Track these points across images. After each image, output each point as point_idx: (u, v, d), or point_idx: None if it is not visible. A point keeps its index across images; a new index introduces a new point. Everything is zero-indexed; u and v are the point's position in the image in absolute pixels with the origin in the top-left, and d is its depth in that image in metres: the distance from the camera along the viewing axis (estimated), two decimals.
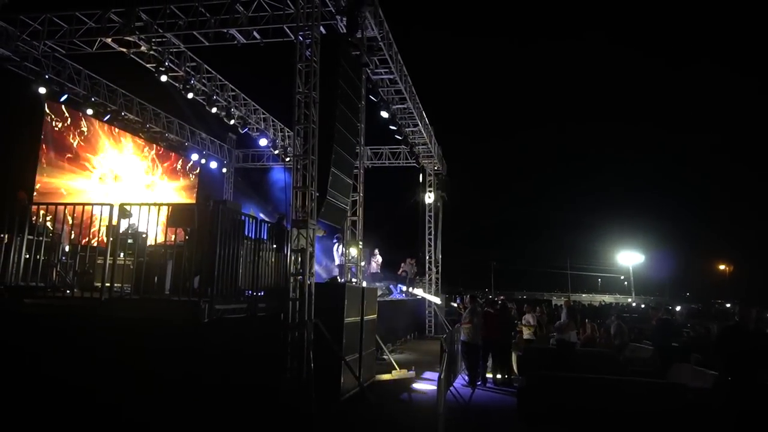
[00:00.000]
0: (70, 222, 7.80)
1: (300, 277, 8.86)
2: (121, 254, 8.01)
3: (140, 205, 7.59)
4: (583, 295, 63.43)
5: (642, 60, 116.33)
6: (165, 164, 18.61)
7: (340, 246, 16.11)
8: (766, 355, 6.30)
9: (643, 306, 41.21)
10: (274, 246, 9.15)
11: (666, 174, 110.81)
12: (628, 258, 62.77)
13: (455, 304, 17.58)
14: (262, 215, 14.44)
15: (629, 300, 56.82)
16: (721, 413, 6.28)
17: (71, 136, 14.64)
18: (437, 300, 20.65)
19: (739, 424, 5.99)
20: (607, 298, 59.20)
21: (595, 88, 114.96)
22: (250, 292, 8.31)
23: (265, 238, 8.89)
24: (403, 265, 20.22)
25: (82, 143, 15.00)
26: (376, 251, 18.90)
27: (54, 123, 14.12)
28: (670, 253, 65.24)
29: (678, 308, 31.46)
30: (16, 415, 6.54)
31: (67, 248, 8.45)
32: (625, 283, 67.29)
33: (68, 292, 7.75)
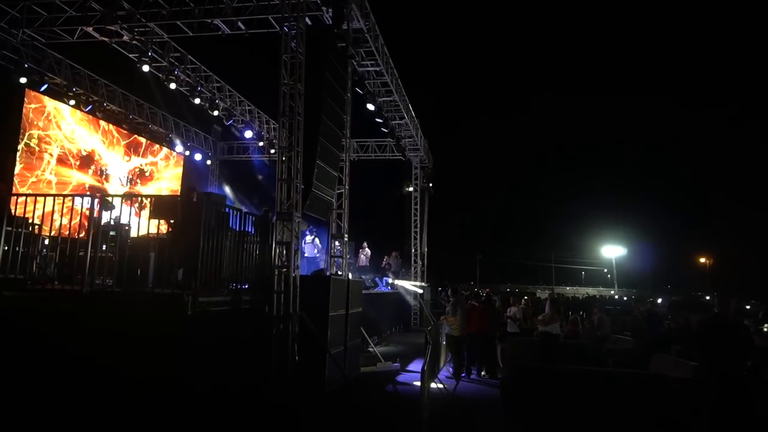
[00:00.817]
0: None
1: (285, 269, 8.85)
2: (104, 246, 7.91)
3: (122, 196, 7.49)
4: (568, 288, 64.10)
5: (631, 48, 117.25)
6: (149, 155, 18.38)
7: (315, 238, 16.14)
8: (744, 345, 6.42)
9: (625, 298, 41.76)
10: (259, 239, 9.10)
11: (647, 168, 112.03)
12: (611, 251, 63.55)
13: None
14: (247, 207, 14.36)
15: (612, 292, 57.53)
16: (701, 403, 6.40)
17: (52, 125, 14.38)
18: (420, 290, 20.69)
19: (718, 413, 6.11)
20: (591, 291, 59.89)
21: (578, 79, 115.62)
22: (235, 284, 8.27)
23: (250, 230, 8.84)
24: (386, 257, 20.28)
25: (62, 132, 14.74)
26: (365, 244, 18.91)
27: (34, 112, 13.85)
28: (651, 246, 66.27)
29: (659, 300, 31.95)
30: None
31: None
32: (608, 275, 68.13)
33: (49, 284, 7.65)
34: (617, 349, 10.80)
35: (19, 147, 13.29)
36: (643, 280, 65.10)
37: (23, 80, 12.90)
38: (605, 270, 69.50)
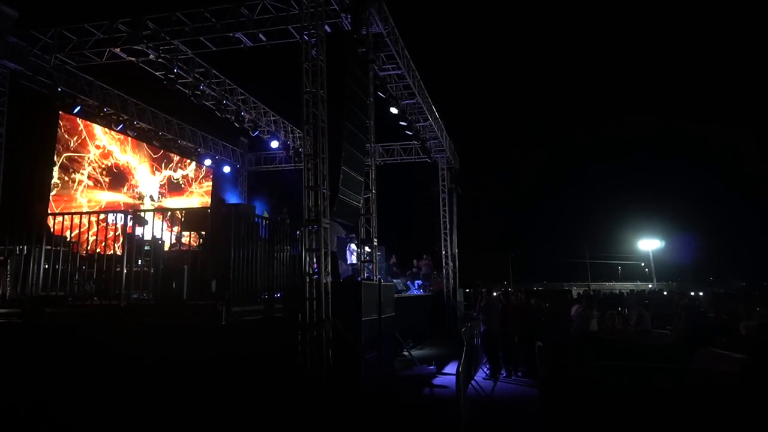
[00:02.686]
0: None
1: (316, 276, 8.87)
2: (139, 261, 8.08)
3: (154, 211, 7.64)
4: (606, 284, 62.65)
5: (661, 37, 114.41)
6: (179, 169, 18.77)
7: (352, 244, 16.25)
8: None
9: (666, 293, 40.57)
10: (289, 247, 9.17)
11: (682, 159, 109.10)
12: (648, 244, 61.96)
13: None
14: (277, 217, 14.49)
15: (650, 286, 56.01)
16: (753, 396, 6.15)
17: (85, 145, 14.81)
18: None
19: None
20: (628, 285, 58.42)
21: (608, 69, 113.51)
22: (267, 293, 8.34)
23: (280, 239, 8.91)
24: (415, 261, 20.26)
25: (97, 152, 15.17)
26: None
27: (68, 134, 14.29)
28: (690, 237, 64.40)
29: (701, 294, 30.98)
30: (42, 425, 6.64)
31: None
32: (646, 269, 66.43)
33: (89, 300, 7.85)
34: (659, 345, 10.49)
35: (55, 172, 13.73)
36: (683, 272, 63.27)
37: (56, 103, 13.33)
38: (642, 264, 67.81)
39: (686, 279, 59.24)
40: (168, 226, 8.18)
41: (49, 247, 7.67)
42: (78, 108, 14.12)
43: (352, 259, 16.62)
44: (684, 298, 13.59)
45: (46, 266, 7.63)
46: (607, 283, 62.98)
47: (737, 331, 10.90)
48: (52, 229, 7.97)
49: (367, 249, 12.15)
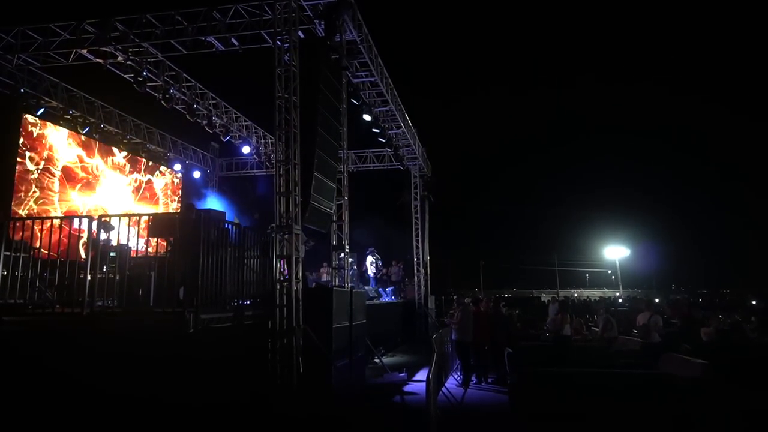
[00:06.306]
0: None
1: (287, 283, 8.79)
2: (104, 267, 7.86)
3: (120, 216, 7.46)
4: (575, 293, 63.72)
5: (633, 36, 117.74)
6: (148, 174, 18.39)
7: (376, 259, 16.96)
8: None
9: (620, 300, 41.45)
10: (260, 253, 9.06)
11: (648, 168, 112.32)
12: (614, 252, 63.32)
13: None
14: (247, 223, 14.33)
15: (617, 294, 57.21)
16: (712, 400, 6.33)
17: (48, 148, 14.39)
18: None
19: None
20: (596, 293, 59.57)
21: (578, 77, 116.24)
22: (237, 301, 8.22)
23: (251, 245, 8.80)
24: (384, 269, 20.30)
25: (59, 155, 14.76)
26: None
27: (30, 136, 13.87)
28: (655, 245, 66.17)
29: (666, 301, 31.79)
30: None
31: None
32: (613, 277, 67.86)
33: (49, 308, 7.59)
34: (625, 350, 10.71)
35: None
36: (648, 280, 64.86)
37: (19, 105, 12.92)
38: (609, 271, 69.26)
39: (650, 286, 60.73)
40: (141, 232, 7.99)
41: (8, 253, 7.40)
42: (42, 110, 13.72)
43: (375, 272, 18.10)
44: (651, 305, 13.90)
45: (5, 272, 7.36)
46: (575, 291, 64.09)
47: (699, 337, 11.23)
48: (11, 234, 7.70)
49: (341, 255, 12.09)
